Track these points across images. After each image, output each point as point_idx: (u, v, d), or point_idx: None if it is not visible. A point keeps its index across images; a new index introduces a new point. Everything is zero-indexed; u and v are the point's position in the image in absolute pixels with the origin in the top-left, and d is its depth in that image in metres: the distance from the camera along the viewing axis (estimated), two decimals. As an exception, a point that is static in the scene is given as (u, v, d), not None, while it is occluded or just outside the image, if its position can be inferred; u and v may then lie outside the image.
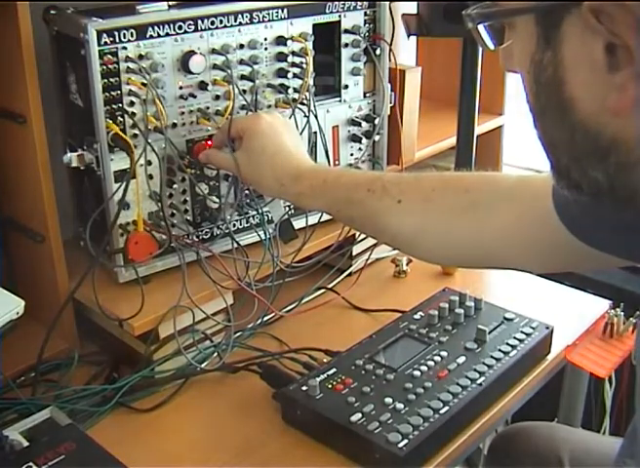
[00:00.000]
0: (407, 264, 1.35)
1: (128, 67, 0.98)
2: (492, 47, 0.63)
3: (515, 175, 0.93)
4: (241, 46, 1.08)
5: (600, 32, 0.51)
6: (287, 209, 1.18)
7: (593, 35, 0.51)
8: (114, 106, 0.99)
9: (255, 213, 1.16)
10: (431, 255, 0.97)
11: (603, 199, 0.60)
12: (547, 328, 1.10)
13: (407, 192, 0.92)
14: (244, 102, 1.09)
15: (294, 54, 1.12)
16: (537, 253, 0.86)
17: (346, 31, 1.18)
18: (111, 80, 0.98)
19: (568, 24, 0.53)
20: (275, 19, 1.09)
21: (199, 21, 1.02)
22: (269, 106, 1.13)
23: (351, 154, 1.26)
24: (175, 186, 1.08)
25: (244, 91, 1.09)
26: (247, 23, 1.07)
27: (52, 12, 1.04)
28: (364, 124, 1.24)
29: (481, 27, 0.61)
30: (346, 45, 1.19)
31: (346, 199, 0.95)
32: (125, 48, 0.97)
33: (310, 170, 0.99)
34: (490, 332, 1.07)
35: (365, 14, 1.19)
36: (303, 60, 1.12)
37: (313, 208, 1.09)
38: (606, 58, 0.52)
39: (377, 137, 1.26)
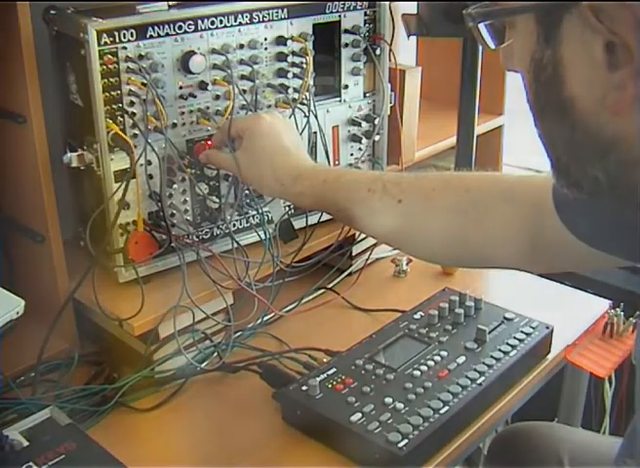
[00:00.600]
0: (407, 264, 1.35)
1: (128, 67, 0.98)
2: (492, 46, 0.63)
3: (515, 175, 0.93)
4: (241, 46, 1.08)
5: (600, 31, 0.51)
6: (287, 209, 1.18)
7: (593, 34, 0.52)
8: (114, 106, 0.99)
9: (255, 213, 1.16)
10: (432, 255, 0.97)
11: (603, 197, 0.60)
12: (547, 327, 1.10)
13: (407, 192, 0.92)
14: (244, 102, 1.09)
15: (294, 54, 1.12)
16: (537, 253, 0.86)
17: (346, 31, 1.18)
18: (111, 80, 0.98)
19: (568, 23, 0.53)
20: (275, 19, 1.09)
21: (199, 21, 1.02)
22: (269, 106, 1.13)
23: (351, 154, 1.26)
24: (175, 186, 1.08)
25: (244, 91, 1.09)
26: (247, 23, 1.07)
27: (52, 12, 1.04)
28: (364, 124, 1.24)
29: (482, 26, 0.61)
30: (346, 45, 1.19)
31: (347, 199, 0.95)
32: (125, 48, 0.97)
33: (310, 170, 0.99)
34: (490, 332, 1.07)
35: (365, 14, 1.19)
36: (303, 60, 1.12)
37: (313, 208, 1.09)
38: (605, 57, 0.52)
39: (377, 137, 1.26)
